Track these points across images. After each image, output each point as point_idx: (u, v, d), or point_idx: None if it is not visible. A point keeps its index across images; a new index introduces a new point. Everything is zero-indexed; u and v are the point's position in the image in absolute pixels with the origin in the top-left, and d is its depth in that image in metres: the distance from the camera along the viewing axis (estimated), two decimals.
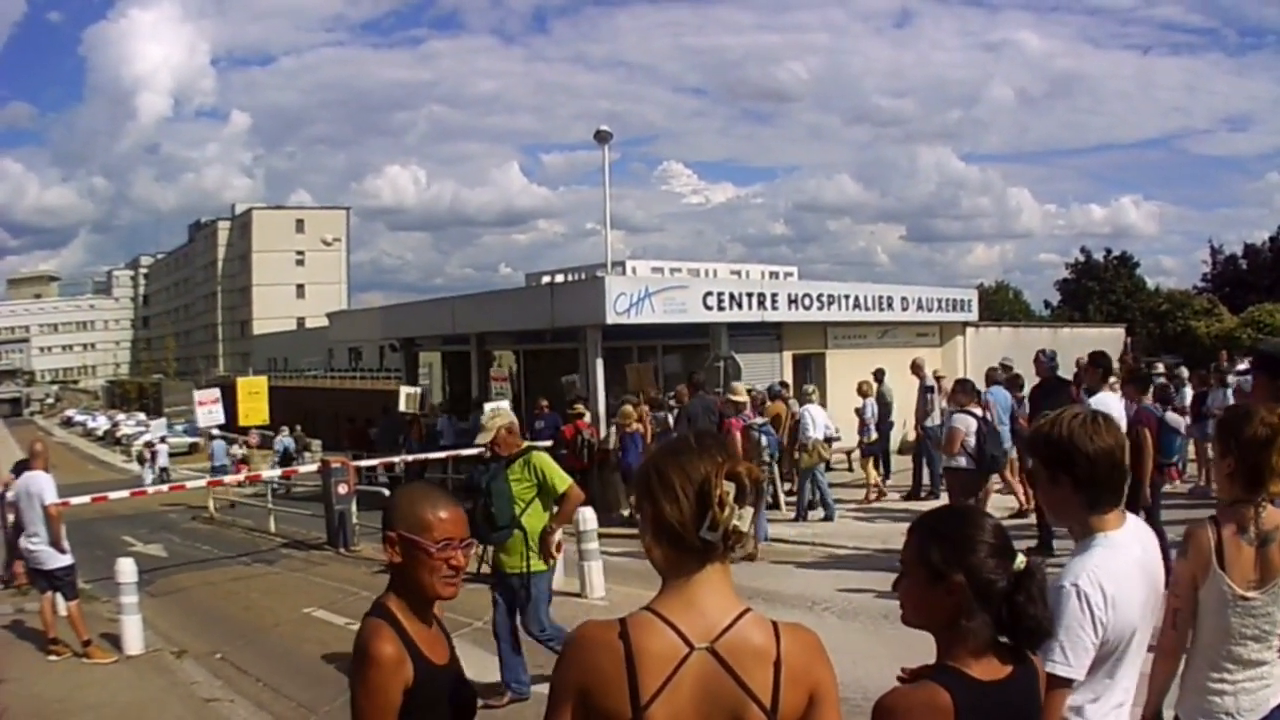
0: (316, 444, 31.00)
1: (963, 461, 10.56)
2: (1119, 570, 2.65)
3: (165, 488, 19.67)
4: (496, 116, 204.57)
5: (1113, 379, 11.27)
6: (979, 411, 10.70)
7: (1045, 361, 11.33)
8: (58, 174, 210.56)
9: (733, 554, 2.02)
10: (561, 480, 7.13)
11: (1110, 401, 9.36)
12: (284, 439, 29.98)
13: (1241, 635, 3.11)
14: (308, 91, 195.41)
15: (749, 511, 1.96)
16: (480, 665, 8.42)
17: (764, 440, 12.78)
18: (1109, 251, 60.25)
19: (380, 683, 2.40)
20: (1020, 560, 2.15)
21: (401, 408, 22.86)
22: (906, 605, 2.27)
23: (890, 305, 22.79)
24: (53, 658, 9.03)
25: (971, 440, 10.45)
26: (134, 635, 9.33)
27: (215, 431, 28.54)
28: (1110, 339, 31.90)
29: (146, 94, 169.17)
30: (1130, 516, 2.84)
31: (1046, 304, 63.96)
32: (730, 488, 1.95)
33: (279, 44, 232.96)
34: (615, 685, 1.91)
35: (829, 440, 14.53)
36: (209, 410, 24.25)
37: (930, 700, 2.09)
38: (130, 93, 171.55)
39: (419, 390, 23.57)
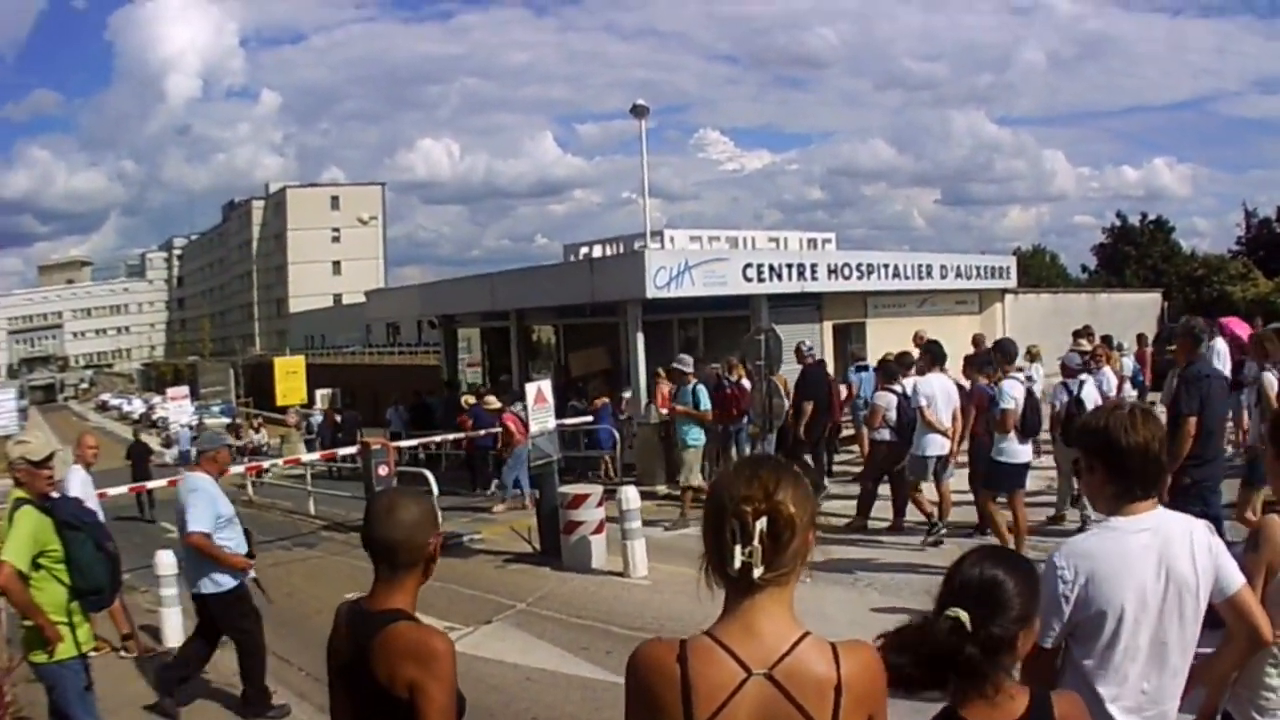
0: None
1: (886, 435, 11.45)
2: (1105, 550, 2.78)
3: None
4: (529, 88, 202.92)
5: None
6: (899, 389, 11.44)
7: (805, 351, 14.62)
8: (86, 159, 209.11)
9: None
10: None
11: (934, 383, 10.71)
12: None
13: None
14: (338, 68, 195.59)
15: (758, 549, 1.93)
16: (524, 648, 8.34)
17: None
18: (1144, 215, 59.69)
19: (453, 675, 2.56)
20: (948, 616, 2.19)
21: (316, 404, 26.47)
22: None
23: (930, 273, 22.99)
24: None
25: (892, 414, 11.36)
26: (175, 627, 9.26)
27: (182, 421, 30.06)
28: (1148, 304, 31.58)
29: (175, 76, 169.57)
30: (1162, 510, 2.86)
31: (1084, 268, 63.38)
32: (735, 525, 1.95)
33: (308, 21, 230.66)
34: (671, 709, 1.95)
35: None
36: (179, 405, 27.38)
37: None
38: (158, 75, 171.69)
39: (332, 391, 29.07)
